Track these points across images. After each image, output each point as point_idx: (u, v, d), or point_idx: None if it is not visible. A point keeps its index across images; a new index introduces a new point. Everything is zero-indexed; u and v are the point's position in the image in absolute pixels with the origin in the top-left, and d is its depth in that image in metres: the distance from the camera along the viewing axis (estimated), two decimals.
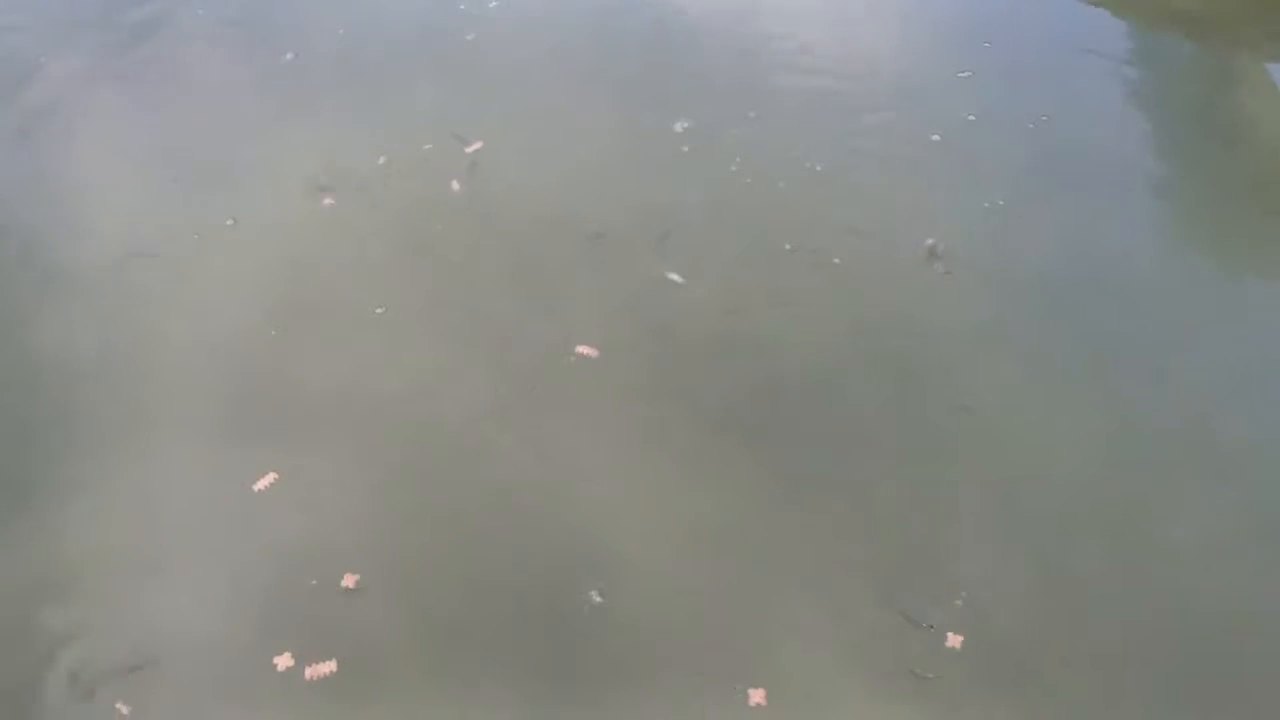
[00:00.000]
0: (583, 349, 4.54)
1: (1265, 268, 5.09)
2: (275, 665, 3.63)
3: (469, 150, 5.48)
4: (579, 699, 3.56)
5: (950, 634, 3.66)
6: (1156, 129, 5.66)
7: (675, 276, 4.85)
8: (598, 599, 3.77)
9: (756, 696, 3.52)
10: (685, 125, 5.64)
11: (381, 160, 5.46)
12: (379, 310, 4.74)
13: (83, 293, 4.86)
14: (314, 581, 3.85)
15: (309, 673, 3.62)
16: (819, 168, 5.38)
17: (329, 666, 3.64)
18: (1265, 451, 4.17)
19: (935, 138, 5.53)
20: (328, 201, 5.28)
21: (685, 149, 5.51)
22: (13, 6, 6.68)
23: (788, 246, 4.98)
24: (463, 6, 6.52)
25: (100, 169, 5.51)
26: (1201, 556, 3.86)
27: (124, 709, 3.53)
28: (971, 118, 5.66)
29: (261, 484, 4.12)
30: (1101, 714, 3.49)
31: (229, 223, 5.16)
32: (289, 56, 6.20)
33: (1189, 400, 4.33)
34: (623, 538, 3.94)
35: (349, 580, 3.84)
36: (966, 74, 5.96)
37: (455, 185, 5.32)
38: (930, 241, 4.60)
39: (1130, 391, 4.38)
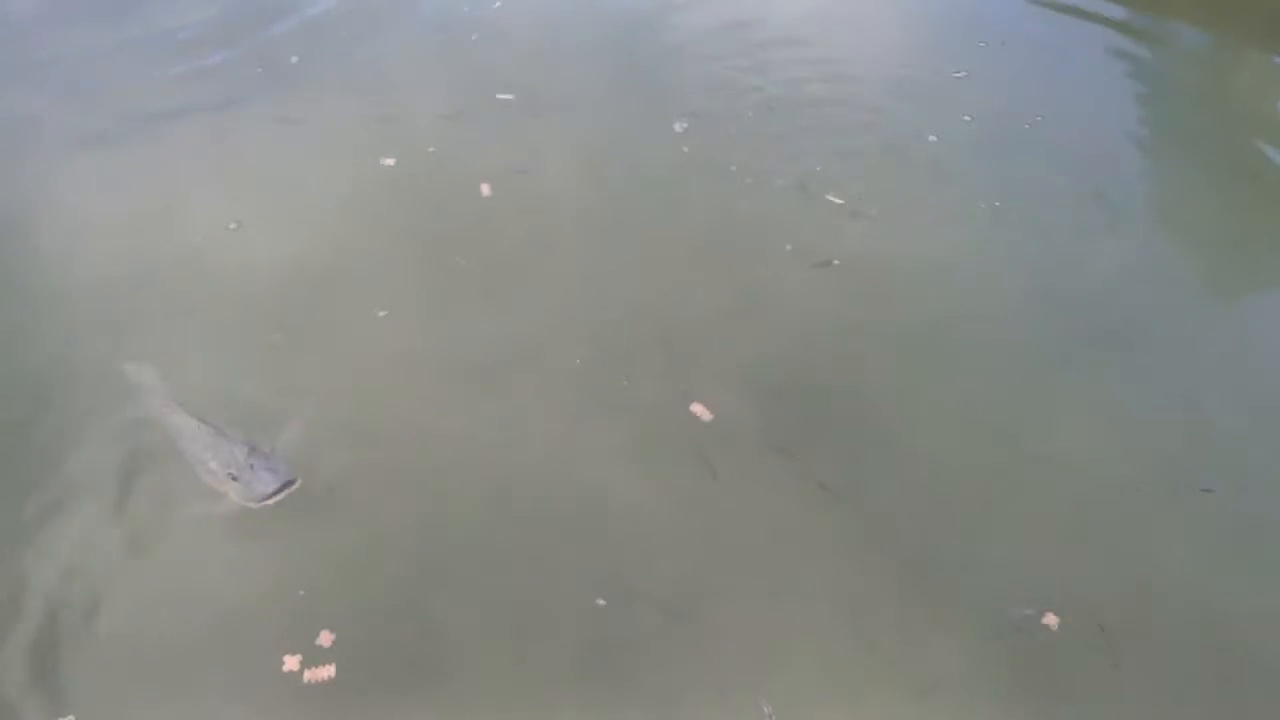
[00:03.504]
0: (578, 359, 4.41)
1: (1266, 263, 4.95)
2: (283, 663, 3.50)
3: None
4: (582, 703, 3.42)
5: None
6: (1156, 126, 5.52)
7: (678, 276, 4.72)
8: (601, 602, 3.63)
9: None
10: (684, 125, 5.48)
11: (390, 163, 5.30)
12: (382, 313, 4.58)
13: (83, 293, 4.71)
14: (301, 593, 3.70)
15: (308, 676, 3.50)
16: (818, 168, 5.23)
17: (328, 670, 3.51)
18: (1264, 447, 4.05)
19: (932, 138, 5.39)
20: (331, 203, 5.10)
21: (685, 149, 5.36)
22: None
23: (788, 247, 4.82)
24: (466, 9, 6.35)
25: (99, 172, 5.35)
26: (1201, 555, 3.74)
27: None
28: (968, 118, 5.51)
29: None
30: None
31: (232, 226, 5.00)
32: (294, 60, 6.02)
33: (1190, 397, 4.20)
34: (627, 541, 3.80)
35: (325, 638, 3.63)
36: (962, 74, 5.82)
37: (456, 190, 5.16)
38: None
39: (1131, 390, 4.24)
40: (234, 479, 3.82)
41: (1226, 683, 3.43)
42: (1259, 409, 4.17)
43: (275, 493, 3.81)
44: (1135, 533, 3.78)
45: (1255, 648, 3.51)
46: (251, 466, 3.83)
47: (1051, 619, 3.55)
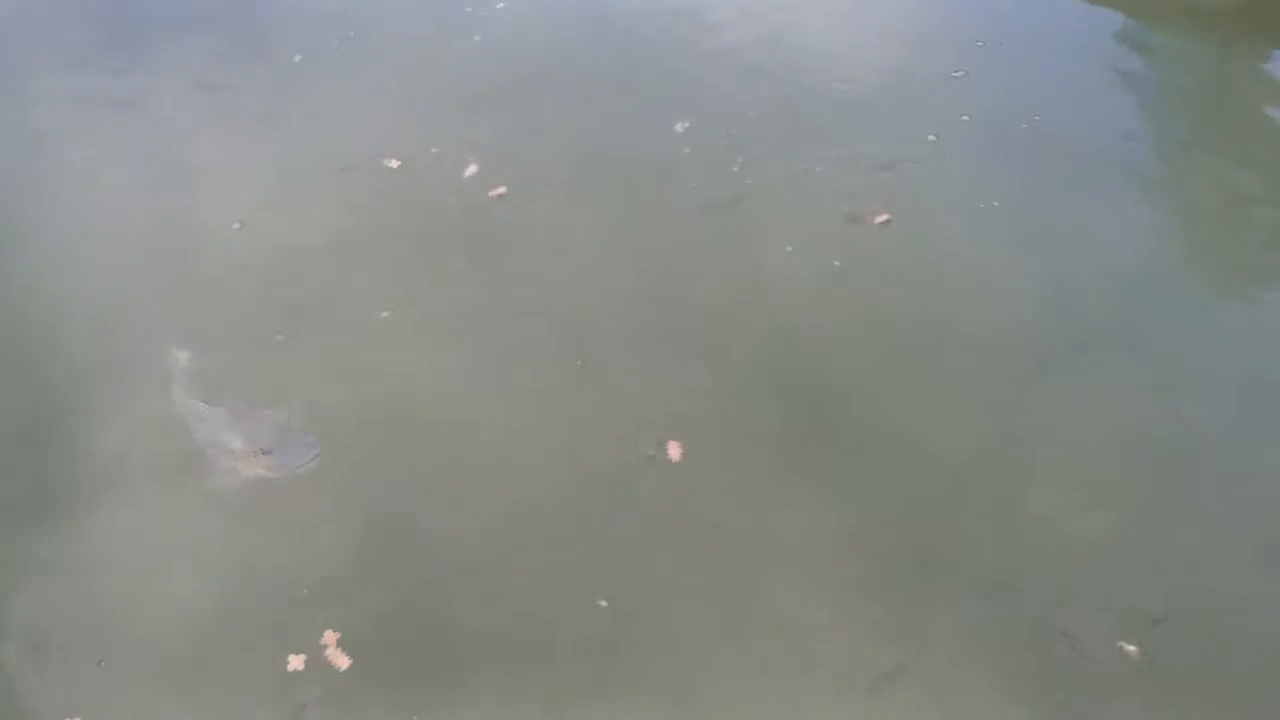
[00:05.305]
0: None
1: (1262, 266, 4.89)
2: (288, 663, 3.49)
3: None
4: (585, 702, 3.40)
5: None
6: (1153, 128, 5.46)
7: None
8: (602, 603, 3.59)
9: None
10: (686, 126, 5.43)
11: (394, 164, 5.25)
12: (385, 314, 4.54)
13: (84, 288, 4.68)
14: (305, 591, 3.67)
15: (312, 674, 3.48)
16: (818, 168, 5.18)
17: (331, 669, 3.50)
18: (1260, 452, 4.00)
19: (931, 138, 5.33)
20: (335, 204, 5.05)
21: (687, 150, 5.31)
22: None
23: (789, 249, 4.78)
24: (469, 9, 6.29)
25: (103, 175, 5.30)
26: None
27: None
28: (966, 118, 5.45)
29: None
30: None
31: (235, 227, 4.94)
32: (297, 59, 5.97)
33: (1191, 394, 4.16)
34: (628, 541, 3.77)
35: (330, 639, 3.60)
36: (960, 74, 5.76)
37: (459, 192, 5.11)
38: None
39: (1131, 395, 4.18)
40: (265, 454, 3.94)
41: (1234, 675, 3.40)
42: (1260, 405, 4.14)
43: (303, 464, 3.94)
44: (1138, 529, 3.75)
45: (1263, 641, 3.49)
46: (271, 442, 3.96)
47: (1064, 620, 3.52)
